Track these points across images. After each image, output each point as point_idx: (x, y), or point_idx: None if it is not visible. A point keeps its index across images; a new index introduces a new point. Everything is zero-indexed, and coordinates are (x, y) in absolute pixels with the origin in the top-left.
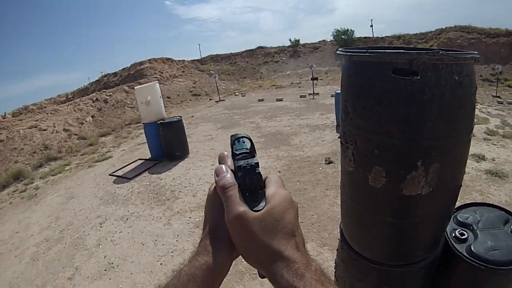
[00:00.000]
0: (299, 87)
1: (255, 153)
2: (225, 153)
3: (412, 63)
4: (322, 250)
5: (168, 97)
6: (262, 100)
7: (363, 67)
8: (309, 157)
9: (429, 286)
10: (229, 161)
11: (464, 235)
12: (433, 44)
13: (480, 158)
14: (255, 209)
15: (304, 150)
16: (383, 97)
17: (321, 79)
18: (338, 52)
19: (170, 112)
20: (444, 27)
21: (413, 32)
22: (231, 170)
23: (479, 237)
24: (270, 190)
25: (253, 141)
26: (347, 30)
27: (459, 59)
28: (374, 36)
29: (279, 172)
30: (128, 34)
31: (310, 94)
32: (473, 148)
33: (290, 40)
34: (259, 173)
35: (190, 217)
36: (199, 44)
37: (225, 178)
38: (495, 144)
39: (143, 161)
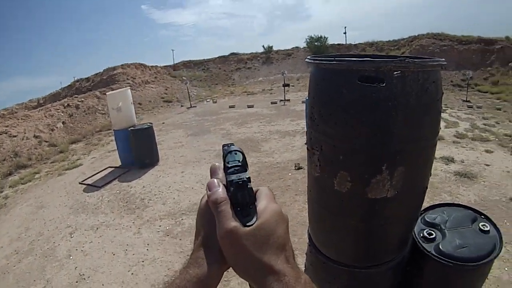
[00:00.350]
0: (271, 93)
1: (247, 166)
2: (217, 164)
3: (378, 71)
4: None
5: (140, 104)
6: (233, 106)
7: (330, 75)
8: (279, 163)
9: (397, 286)
10: (221, 173)
11: (432, 234)
12: (405, 51)
13: (450, 160)
14: (246, 224)
15: (274, 156)
16: (349, 105)
17: (293, 86)
18: (306, 60)
19: (142, 119)
20: (417, 34)
21: (386, 39)
22: (223, 184)
23: (447, 236)
24: (261, 205)
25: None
26: (321, 37)
27: (426, 66)
28: (348, 43)
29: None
30: (105, 38)
31: (281, 100)
32: (443, 151)
33: (263, 46)
34: (251, 188)
35: (160, 226)
36: (172, 50)
37: (217, 193)
38: (464, 147)
39: (113, 168)
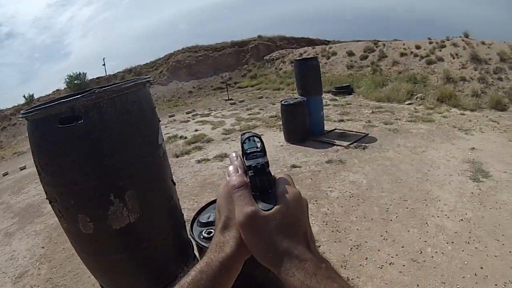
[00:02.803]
0: None
1: (265, 152)
2: (234, 154)
3: (74, 109)
4: None
5: None
6: (6, 173)
7: (36, 125)
8: None
9: None
10: (238, 161)
11: (212, 232)
12: (163, 70)
13: (222, 156)
14: (265, 208)
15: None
16: (57, 150)
17: None
18: (20, 114)
19: None
20: (173, 51)
21: (144, 63)
22: (243, 170)
23: None
24: (280, 189)
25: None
26: (79, 73)
27: (120, 91)
28: (107, 74)
29: None
30: None
31: None
32: (215, 151)
33: (24, 96)
34: (270, 172)
35: None
36: None
37: (235, 178)
38: (234, 140)
39: None
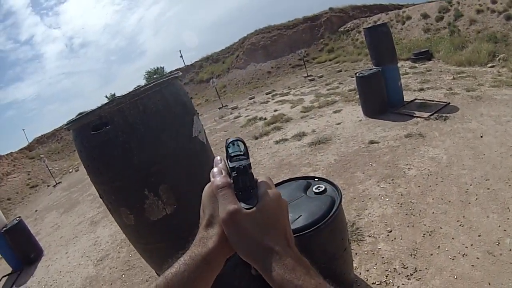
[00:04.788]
0: None
1: (248, 155)
2: (219, 157)
3: (101, 116)
4: None
5: (9, 199)
6: None
7: (76, 134)
8: None
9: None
10: (222, 164)
11: None
12: (239, 54)
13: (301, 135)
14: (247, 207)
15: None
16: (93, 153)
17: None
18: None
19: (15, 214)
20: (246, 35)
21: (219, 49)
22: (226, 171)
23: None
24: (261, 190)
25: None
26: (157, 68)
27: (141, 93)
28: (186, 64)
29: None
30: None
31: None
32: (293, 131)
33: (106, 96)
34: (251, 173)
35: None
36: (23, 130)
37: (219, 179)
38: (313, 117)
39: (7, 277)
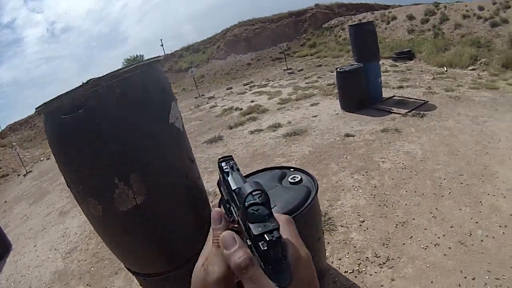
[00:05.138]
0: None
1: (270, 203)
2: (220, 209)
3: (74, 99)
4: None
5: None
6: None
7: (46, 118)
8: None
9: None
10: (224, 223)
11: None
12: (220, 44)
13: (276, 126)
14: (282, 285)
15: None
16: (63, 139)
17: None
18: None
19: None
20: (229, 26)
21: (201, 39)
22: (227, 222)
23: None
24: (291, 254)
25: None
26: (137, 56)
27: (119, 75)
28: (166, 53)
29: None
30: None
31: None
32: (268, 121)
33: (82, 82)
34: (284, 242)
35: None
36: None
37: (239, 253)
38: (289, 109)
39: None
